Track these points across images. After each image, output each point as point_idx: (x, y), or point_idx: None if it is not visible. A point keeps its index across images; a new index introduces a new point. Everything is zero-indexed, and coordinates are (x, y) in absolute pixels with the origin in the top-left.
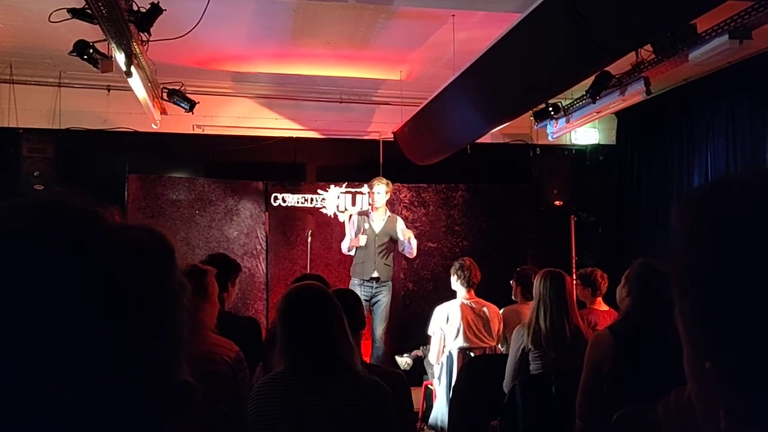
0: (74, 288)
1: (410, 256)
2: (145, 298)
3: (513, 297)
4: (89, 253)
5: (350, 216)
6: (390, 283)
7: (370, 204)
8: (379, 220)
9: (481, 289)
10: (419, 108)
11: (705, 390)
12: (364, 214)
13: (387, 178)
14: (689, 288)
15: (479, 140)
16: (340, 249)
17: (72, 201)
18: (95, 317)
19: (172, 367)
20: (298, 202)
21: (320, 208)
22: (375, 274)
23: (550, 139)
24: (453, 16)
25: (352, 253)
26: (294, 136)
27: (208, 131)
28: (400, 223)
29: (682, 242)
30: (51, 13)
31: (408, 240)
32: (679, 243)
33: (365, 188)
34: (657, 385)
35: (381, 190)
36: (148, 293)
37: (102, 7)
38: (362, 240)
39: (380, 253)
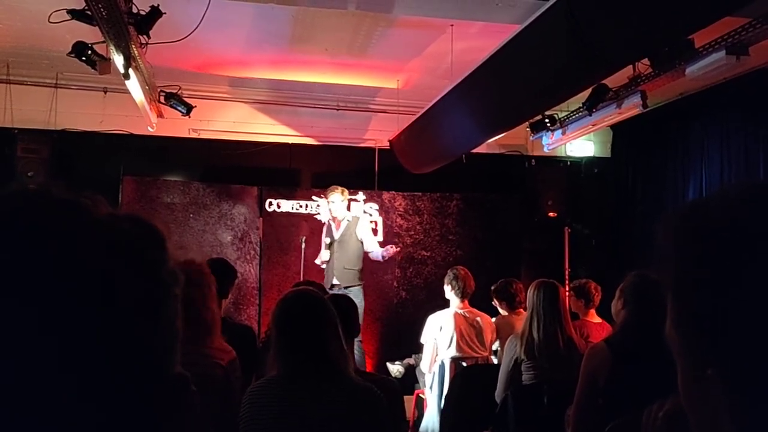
0: (62, 282)
1: (379, 260)
2: (135, 290)
3: (501, 311)
4: (76, 245)
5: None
6: (358, 288)
7: (330, 217)
8: (335, 232)
9: (474, 299)
10: (416, 117)
11: (701, 401)
12: (328, 227)
13: (382, 186)
14: (687, 297)
15: (475, 150)
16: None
17: (58, 192)
18: (85, 311)
19: (165, 360)
20: (292, 208)
21: (315, 214)
22: (334, 281)
23: (546, 151)
24: (452, 26)
25: (324, 266)
26: (290, 142)
27: (204, 135)
28: (363, 222)
29: (674, 253)
30: (50, 14)
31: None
32: (670, 255)
33: (360, 195)
34: (654, 398)
35: (336, 199)
36: (139, 284)
37: (102, 9)
38: (325, 255)
39: (339, 259)
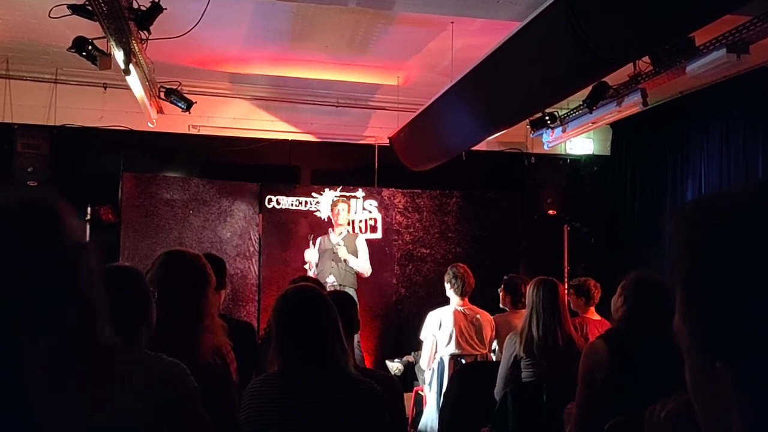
0: None
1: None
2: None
3: (501, 305)
4: None
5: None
6: (353, 289)
7: (332, 221)
8: (335, 235)
9: (473, 296)
10: (416, 114)
11: (708, 394)
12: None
13: (381, 183)
14: (697, 288)
15: (475, 147)
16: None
17: None
18: None
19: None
20: (292, 205)
21: (314, 211)
22: (330, 279)
23: (546, 149)
24: (452, 23)
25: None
26: (289, 138)
27: (204, 132)
28: (360, 242)
29: (686, 244)
30: (50, 9)
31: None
32: (681, 249)
33: (360, 192)
34: (652, 394)
35: (344, 208)
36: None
37: (102, 4)
38: (329, 276)
39: (335, 259)
